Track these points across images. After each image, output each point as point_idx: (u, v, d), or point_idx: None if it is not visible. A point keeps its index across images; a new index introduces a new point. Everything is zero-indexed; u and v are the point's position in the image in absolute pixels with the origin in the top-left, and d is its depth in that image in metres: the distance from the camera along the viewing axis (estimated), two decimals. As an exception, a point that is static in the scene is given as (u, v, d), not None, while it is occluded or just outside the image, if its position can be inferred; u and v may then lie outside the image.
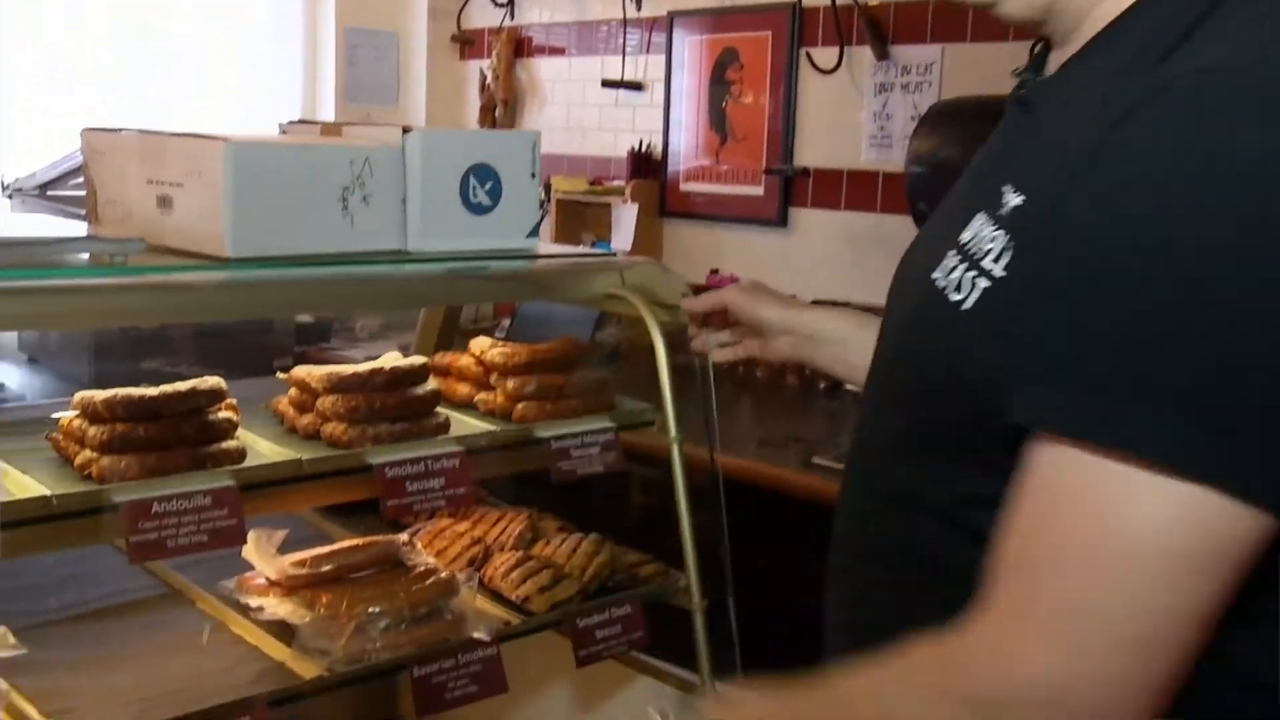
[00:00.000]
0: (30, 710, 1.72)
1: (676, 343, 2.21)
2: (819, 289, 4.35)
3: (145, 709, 1.72)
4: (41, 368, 4.87)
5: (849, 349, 1.79)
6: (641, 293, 2.21)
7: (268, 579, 1.98)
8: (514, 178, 2.14)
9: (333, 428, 1.92)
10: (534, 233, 2.19)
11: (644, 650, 2.28)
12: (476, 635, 1.93)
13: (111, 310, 1.70)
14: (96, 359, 4.71)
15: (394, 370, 1.97)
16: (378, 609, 1.87)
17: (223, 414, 1.79)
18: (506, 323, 5.36)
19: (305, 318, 5.49)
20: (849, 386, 4.16)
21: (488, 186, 2.11)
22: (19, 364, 4.94)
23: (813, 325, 1.85)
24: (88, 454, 1.71)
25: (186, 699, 1.74)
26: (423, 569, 2.01)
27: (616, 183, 5.30)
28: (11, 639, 1.69)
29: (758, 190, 4.75)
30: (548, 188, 5.38)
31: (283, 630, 1.90)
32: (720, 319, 2.06)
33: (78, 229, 2.18)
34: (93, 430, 1.70)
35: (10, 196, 5.30)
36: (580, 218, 5.43)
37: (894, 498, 1.27)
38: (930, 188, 3.83)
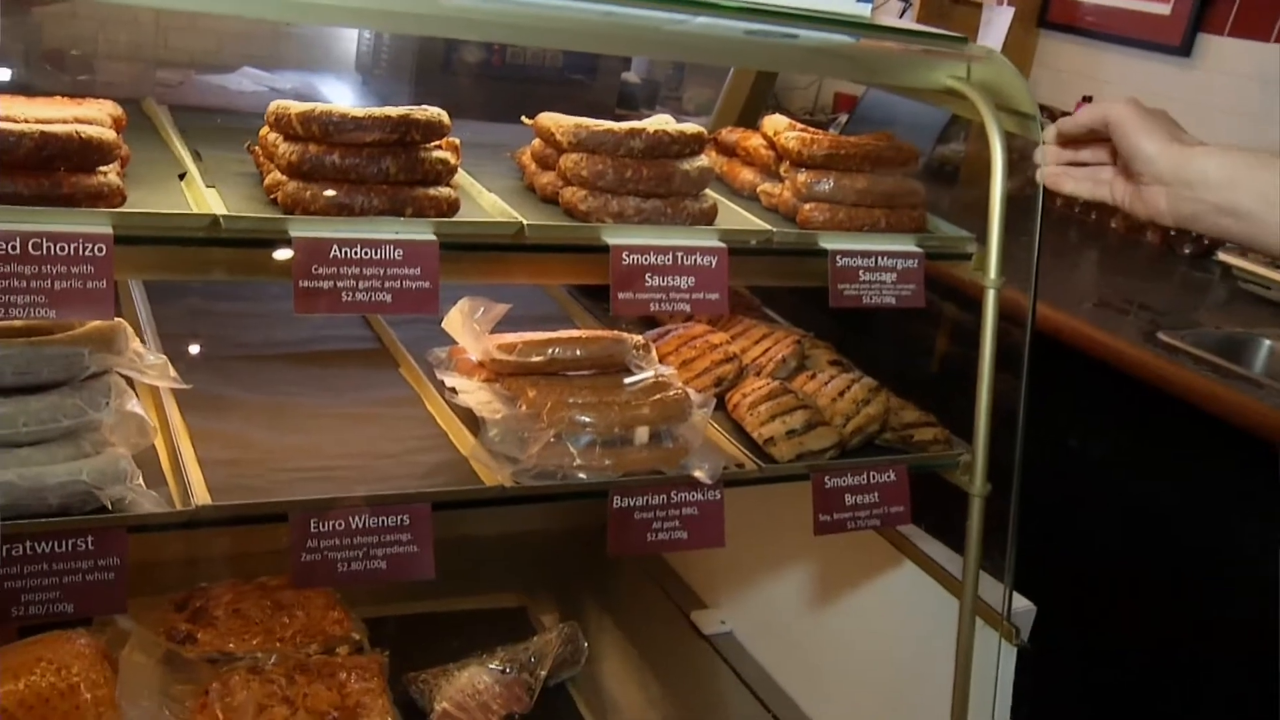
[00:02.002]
0: (188, 450, 1.52)
1: (1021, 163, 1.75)
2: (1218, 138, 3.63)
3: (301, 480, 1.49)
4: (370, 90, 4.85)
5: (1239, 191, 1.38)
6: (987, 91, 1.74)
7: (476, 358, 1.70)
8: (854, -79, 1.69)
9: (572, 193, 1.58)
10: (867, -3, 1.75)
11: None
12: (697, 474, 1.59)
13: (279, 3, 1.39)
14: (419, 84, 4.64)
15: (658, 135, 1.60)
16: (586, 419, 1.55)
17: (439, 154, 1.47)
18: (844, 119, 4.87)
19: (632, 77, 5.18)
20: (1235, 263, 3.51)
21: (819, -73, 1.67)
22: (352, 84, 4.94)
23: (1196, 168, 1.42)
24: (277, 176, 1.43)
25: (348, 478, 1.50)
26: (652, 380, 1.67)
27: (995, -20, 4.64)
28: (172, 370, 1.47)
29: (1164, 7, 3.99)
30: (911, -24, 4.79)
31: (476, 420, 1.62)
32: (1091, 144, 1.59)
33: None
34: (284, 148, 1.42)
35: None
36: (946, 17, 4.81)
37: None
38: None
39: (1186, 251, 3.72)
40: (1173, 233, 3.76)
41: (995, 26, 4.54)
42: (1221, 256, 3.54)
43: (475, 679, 2.08)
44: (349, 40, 4.90)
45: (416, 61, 4.72)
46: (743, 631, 2.43)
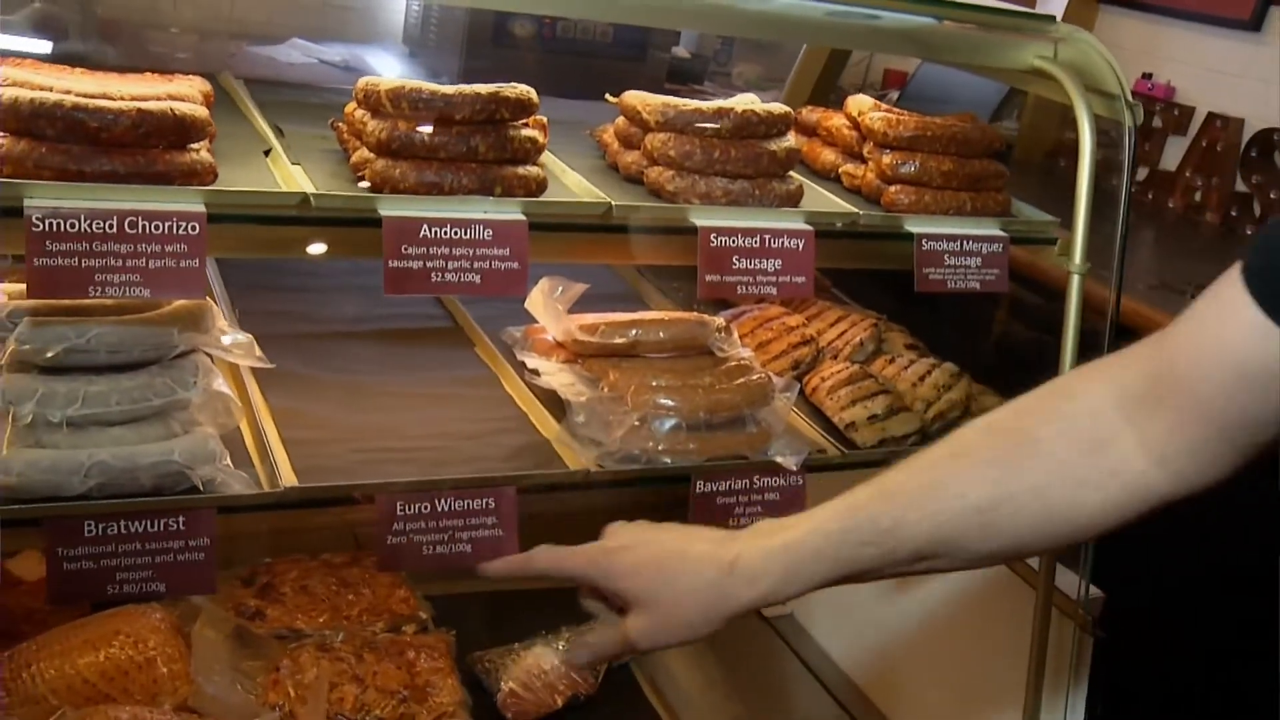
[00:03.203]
0: (270, 428, 1.52)
1: (1108, 147, 1.72)
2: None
3: (384, 461, 1.48)
4: (418, 63, 4.82)
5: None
6: (1075, 72, 1.71)
7: (556, 339, 1.68)
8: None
9: (658, 173, 1.55)
10: (953, -26, 1.71)
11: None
12: (781, 460, 1.57)
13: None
14: (468, 58, 4.60)
15: (746, 115, 1.57)
16: (670, 403, 1.53)
17: (527, 132, 1.45)
18: (895, 95, 4.82)
19: (682, 52, 5.14)
20: None
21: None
22: (400, 56, 4.91)
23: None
24: (364, 153, 1.42)
25: (431, 460, 1.49)
26: (735, 364, 1.65)
27: (1053, -47, 4.56)
28: (257, 350, 1.46)
29: (1229, -18, 3.91)
30: (970, -53, 4.71)
31: (558, 402, 1.61)
32: None
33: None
34: (372, 125, 1.40)
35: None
36: (1002, -12, 4.74)
37: None
38: None
39: (1248, 232, 3.66)
40: (1234, 213, 3.70)
41: (1054, 2, 4.47)
42: None
43: (541, 659, 2.07)
44: (396, 12, 4.86)
45: (465, 34, 4.69)
46: (805, 615, 2.42)
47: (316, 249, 1.42)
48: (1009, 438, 1.13)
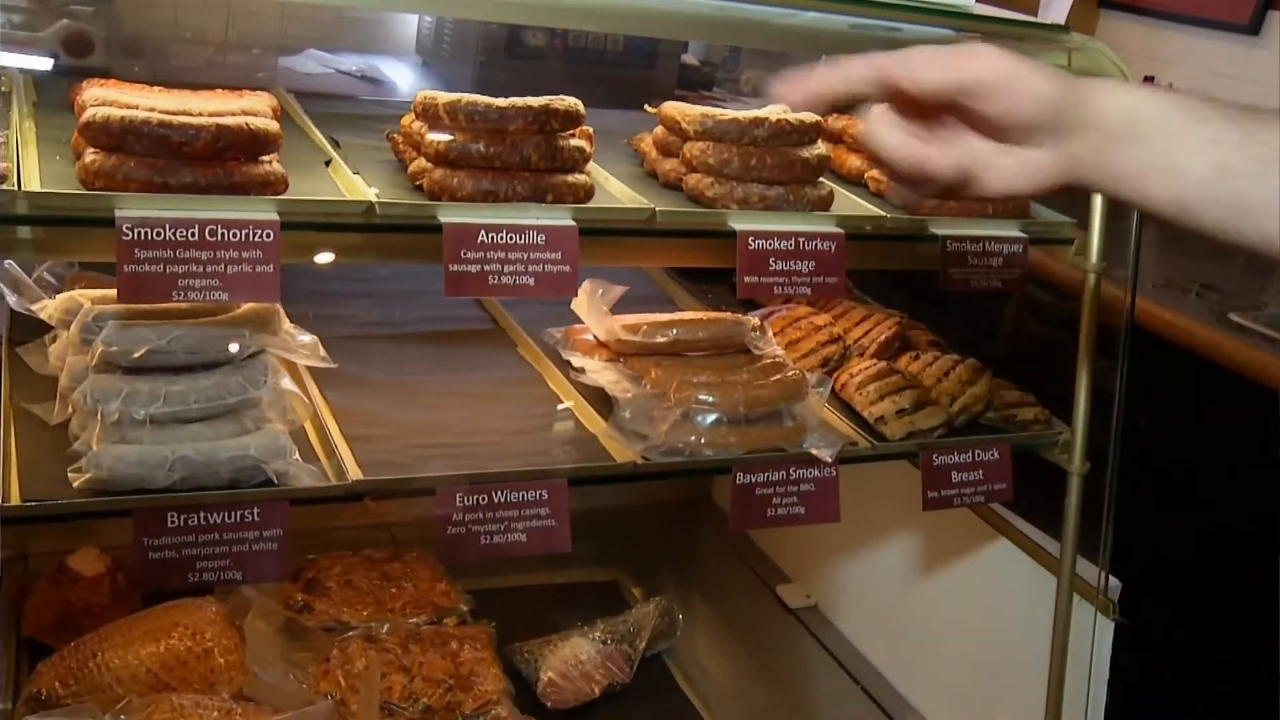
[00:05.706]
0: (333, 426, 1.59)
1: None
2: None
3: (441, 455, 1.56)
4: (432, 72, 4.87)
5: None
6: (1090, 80, 1.78)
7: (596, 338, 1.76)
8: (960, -88, 1.73)
9: (697, 180, 1.63)
10: (969, -12, 1.79)
11: (1005, 505, 1.95)
12: (816, 452, 1.64)
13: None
14: (482, 68, 4.66)
15: (780, 124, 1.65)
16: (710, 398, 1.61)
17: (575, 142, 1.53)
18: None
19: (690, 59, 5.21)
20: None
21: (925, -81, 1.72)
22: (413, 65, 4.96)
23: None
24: (422, 163, 1.50)
25: (484, 454, 1.57)
26: (770, 361, 1.73)
27: (1055, -41, 4.63)
28: (322, 350, 1.54)
29: (1229, -14, 3.98)
30: (974, -45, 4.78)
31: (601, 399, 1.68)
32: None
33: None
34: (430, 137, 1.48)
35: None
36: (1006, -3, 4.82)
37: None
38: None
39: (1251, 233, 3.73)
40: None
41: (1056, 7, 4.53)
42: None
43: (578, 650, 2.15)
44: (410, 23, 4.92)
45: (478, 44, 4.75)
46: (828, 606, 2.49)
47: (379, 255, 1.50)
48: None
